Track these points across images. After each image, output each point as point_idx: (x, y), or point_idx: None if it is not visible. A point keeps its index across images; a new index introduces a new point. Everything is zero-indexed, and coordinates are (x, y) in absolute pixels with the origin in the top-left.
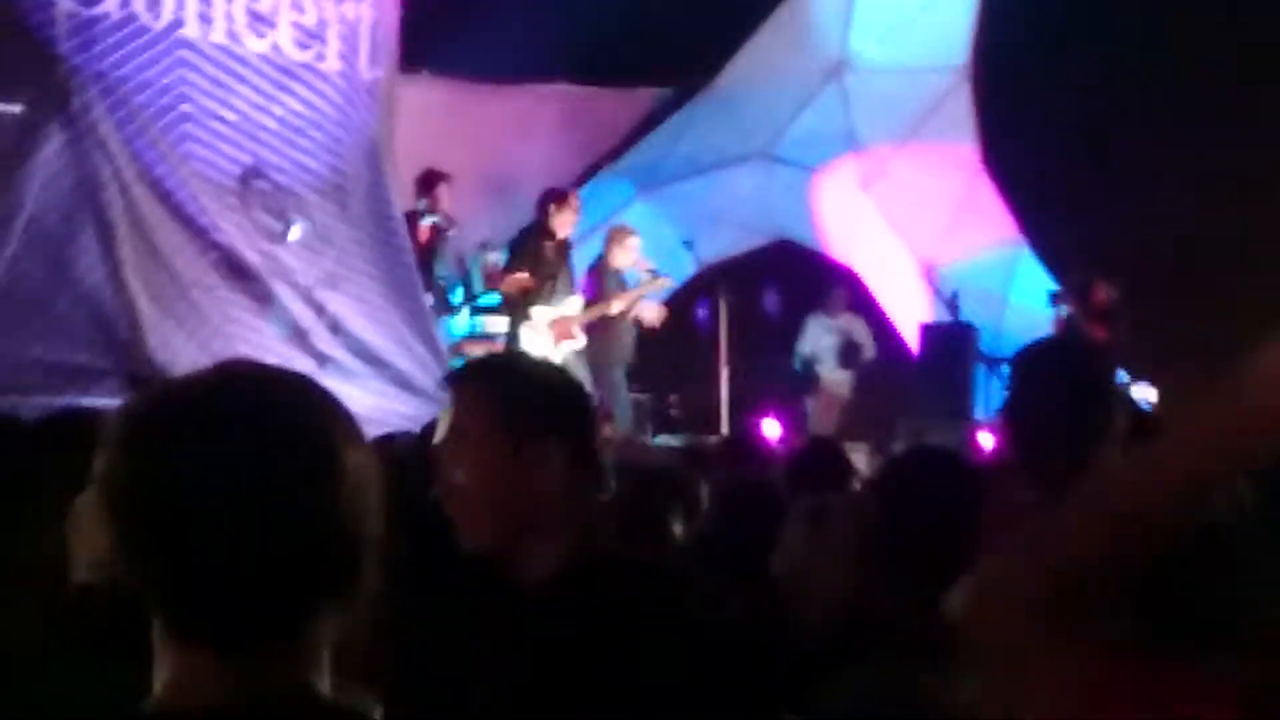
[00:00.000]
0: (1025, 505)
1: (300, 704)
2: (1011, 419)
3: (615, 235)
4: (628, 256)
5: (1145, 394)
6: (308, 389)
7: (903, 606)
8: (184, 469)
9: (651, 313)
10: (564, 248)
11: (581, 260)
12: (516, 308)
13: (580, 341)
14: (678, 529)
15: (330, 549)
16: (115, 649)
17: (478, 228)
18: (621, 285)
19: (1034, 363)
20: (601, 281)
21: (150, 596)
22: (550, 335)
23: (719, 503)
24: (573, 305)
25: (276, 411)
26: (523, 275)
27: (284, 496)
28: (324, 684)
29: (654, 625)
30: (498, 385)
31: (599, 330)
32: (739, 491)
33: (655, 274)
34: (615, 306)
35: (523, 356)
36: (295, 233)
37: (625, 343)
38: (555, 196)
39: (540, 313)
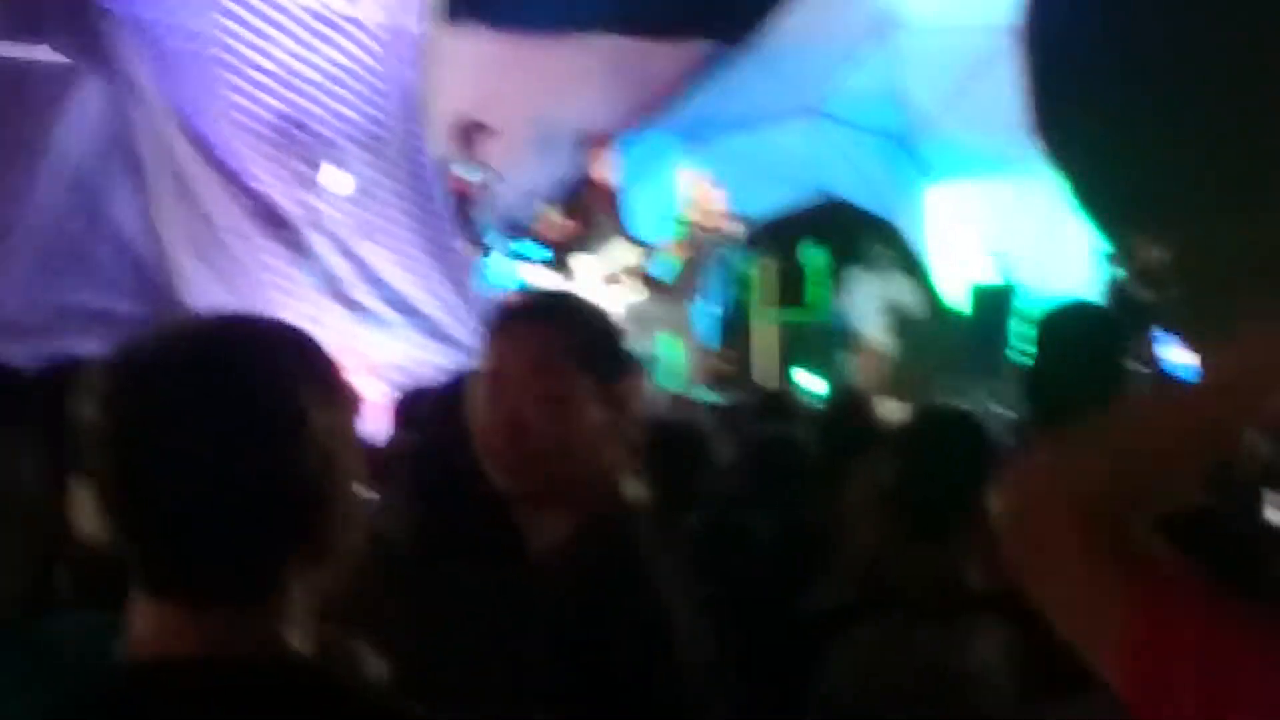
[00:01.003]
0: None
1: (270, 659)
2: (1031, 382)
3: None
4: (702, 210)
5: (1188, 358)
6: (289, 345)
7: (916, 566)
8: (152, 422)
9: None
10: (607, 192)
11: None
12: (561, 257)
13: (630, 290)
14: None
15: (297, 508)
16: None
17: (525, 180)
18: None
19: (1053, 327)
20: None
21: (123, 548)
22: (596, 285)
23: (744, 457)
24: (620, 251)
25: (247, 368)
26: (567, 222)
27: (250, 453)
28: (298, 640)
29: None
30: (539, 325)
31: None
32: (764, 448)
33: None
34: (678, 250)
35: (567, 297)
36: (328, 176)
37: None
38: (595, 141)
39: (582, 262)
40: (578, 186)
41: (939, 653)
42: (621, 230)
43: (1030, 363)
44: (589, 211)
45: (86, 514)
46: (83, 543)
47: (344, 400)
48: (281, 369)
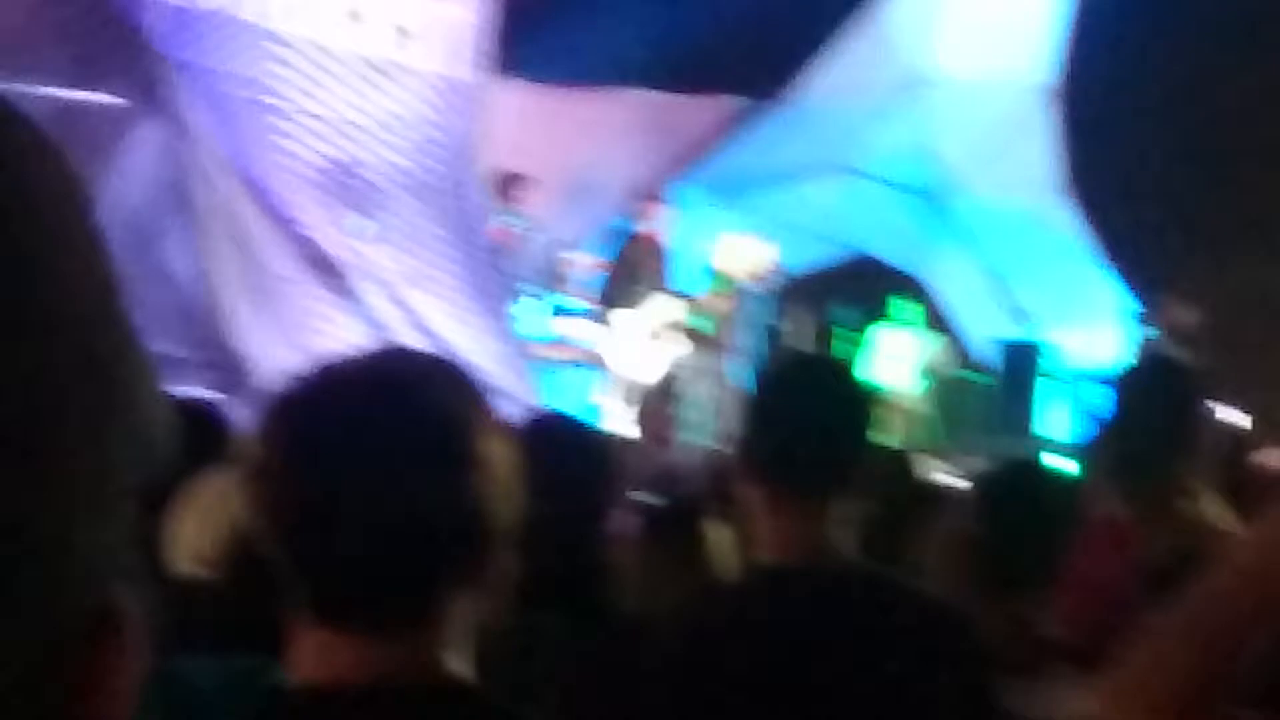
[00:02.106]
0: (1117, 523)
1: (432, 683)
2: (1106, 436)
3: (725, 245)
4: (743, 264)
5: (1233, 418)
6: (454, 378)
7: (993, 619)
8: (330, 451)
9: None
10: (655, 249)
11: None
12: (602, 312)
13: (671, 344)
14: None
15: (465, 535)
16: (228, 640)
17: (560, 231)
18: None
19: (1130, 382)
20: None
21: (294, 576)
22: (636, 340)
23: None
24: (662, 308)
25: (420, 399)
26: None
27: (423, 482)
28: (455, 663)
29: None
30: None
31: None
32: None
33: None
34: (718, 305)
35: None
36: (370, 230)
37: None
38: (647, 196)
39: (623, 317)
40: (624, 239)
41: (1022, 706)
42: (664, 286)
43: (1108, 418)
44: (634, 266)
45: (199, 554)
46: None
47: (503, 431)
48: (451, 402)
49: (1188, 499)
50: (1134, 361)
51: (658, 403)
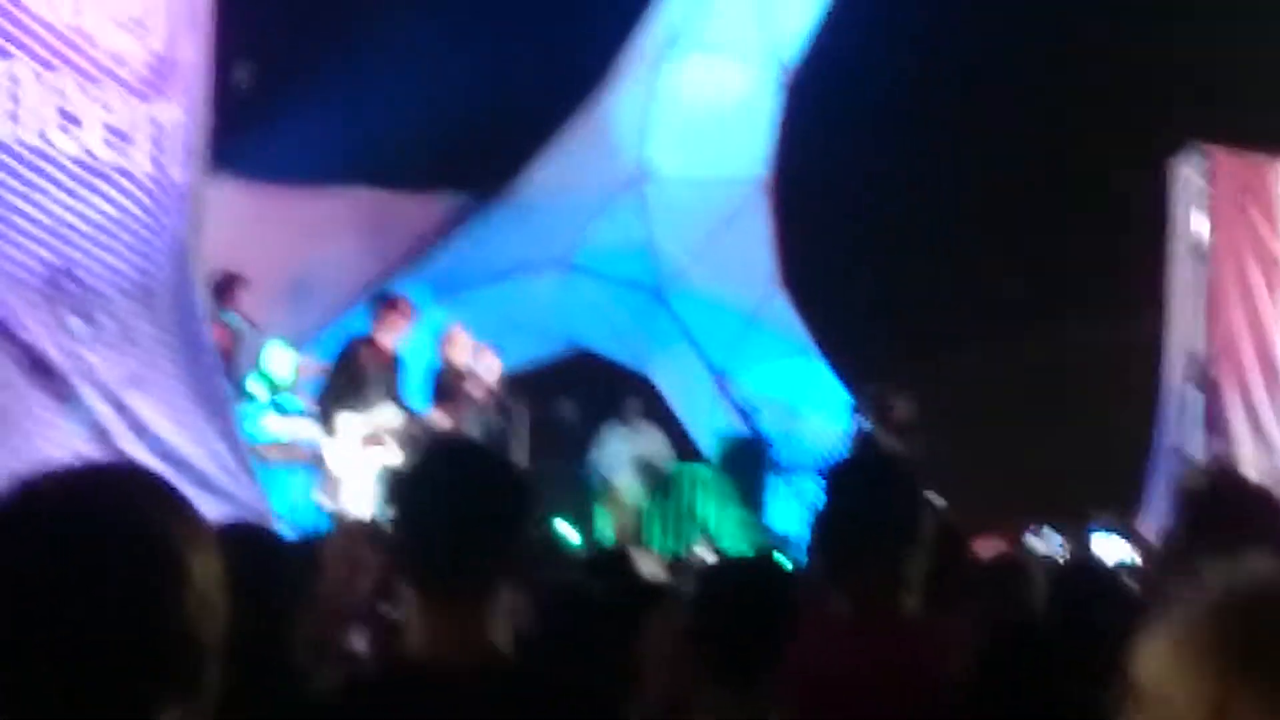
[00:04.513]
0: (836, 615)
1: None
2: (822, 529)
3: (447, 339)
4: (464, 352)
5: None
6: (155, 492)
7: (717, 708)
8: (22, 573)
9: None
10: (386, 355)
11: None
12: (324, 414)
13: (390, 451)
14: None
15: (175, 654)
16: None
17: (276, 331)
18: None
19: (843, 476)
20: (454, 385)
21: None
22: (358, 443)
23: (540, 606)
24: (387, 414)
25: (120, 515)
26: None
27: (130, 602)
28: None
29: None
30: None
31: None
32: (559, 595)
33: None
34: (442, 421)
35: None
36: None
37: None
38: (387, 303)
39: (346, 420)
40: (354, 344)
41: None
42: (394, 394)
43: (821, 511)
44: (363, 370)
45: None
46: None
47: (210, 543)
48: (159, 514)
49: (903, 591)
50: (846, 454)
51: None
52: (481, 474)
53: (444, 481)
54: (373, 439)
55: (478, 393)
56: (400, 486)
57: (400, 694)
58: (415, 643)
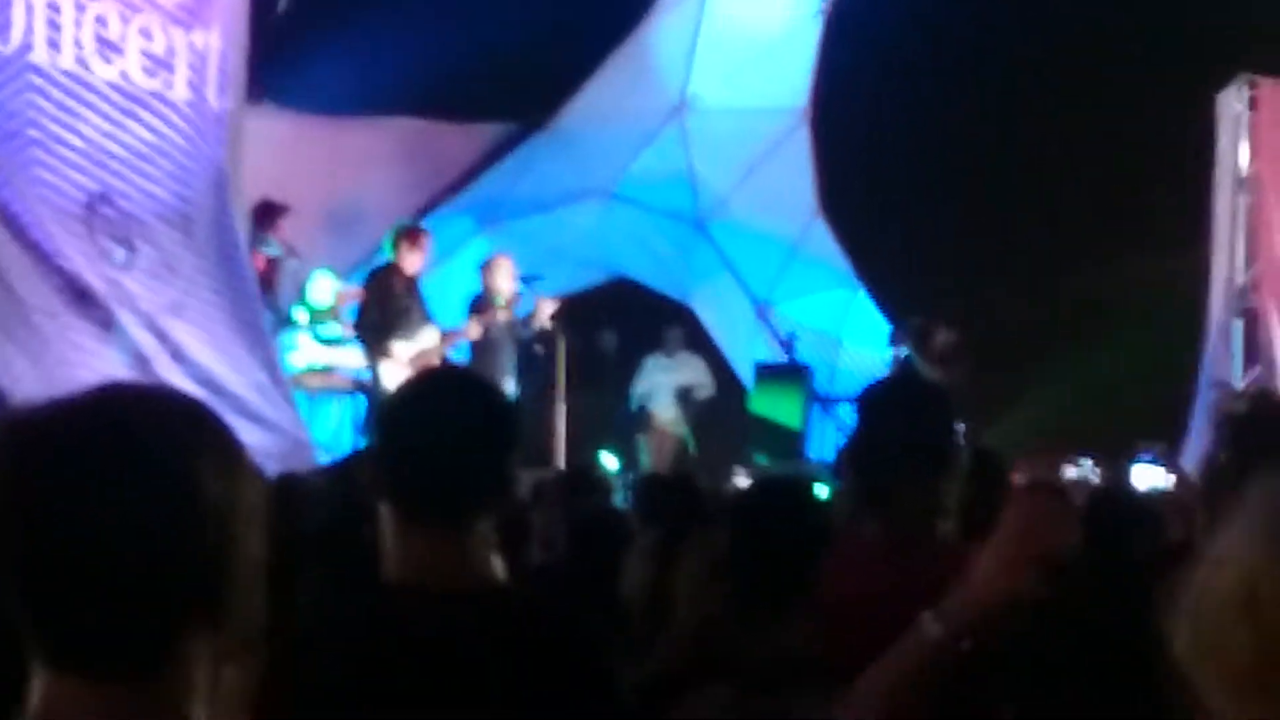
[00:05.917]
0: (869, 540)
1: None
2: (855, 454)
3: (490, 265)
4: (506, 279)
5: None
6: (181, 416)
7: (746, 635)
8: (41, 497)
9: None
10: (413, 283)
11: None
12: (375, 344)
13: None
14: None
15: (192, 579)
16: None
17: (318, 260)
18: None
19: (878, 400)
20: (490, 311)
21: (19, 625)
22: (407, 367)
23: (572, 532)
24: (430, 338)
25: (137, 440)
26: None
27: (140, 526)
28: (200, 712)
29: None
30: None
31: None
32: (592, 522)
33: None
34: (473, 330)
35: None
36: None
37: (502, 363)
38: (407, 234)
39: (400, 348)
40: (382, 272)
41: None
42: (426, 315)
43: (856, 437)
44: (394, 296)
45: None
46: None
47: (241, 470)
48: (178, 438)
49: (940, 517)
50: (883, 381)
51: None
52: (463, 400)
53: (426, 406)
54: (415, 361)
55: (505, 317)
56: (383, 409)
57: (370, 617)
58: (390, 567)
